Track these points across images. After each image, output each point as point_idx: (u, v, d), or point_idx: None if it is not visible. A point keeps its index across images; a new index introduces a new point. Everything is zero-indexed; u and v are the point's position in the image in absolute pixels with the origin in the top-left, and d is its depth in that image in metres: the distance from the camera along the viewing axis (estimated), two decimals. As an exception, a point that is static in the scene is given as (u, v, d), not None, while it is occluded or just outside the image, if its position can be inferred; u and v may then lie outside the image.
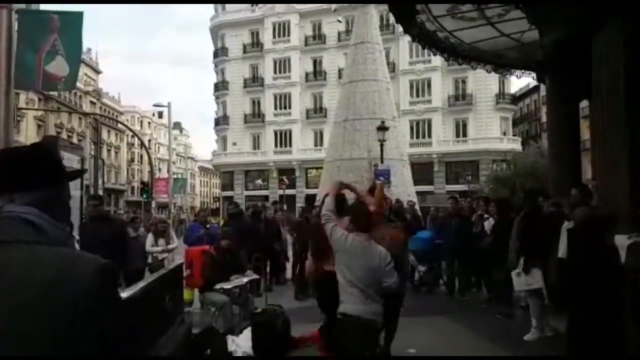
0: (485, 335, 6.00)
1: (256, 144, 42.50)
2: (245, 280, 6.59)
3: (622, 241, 4.43)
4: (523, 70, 9.50)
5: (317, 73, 40.94)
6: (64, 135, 42.85)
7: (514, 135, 39.73)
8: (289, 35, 41.25)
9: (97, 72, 56.11)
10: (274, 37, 41.68)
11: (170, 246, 8.05)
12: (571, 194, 6.29)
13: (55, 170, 1.13)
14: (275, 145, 41.48)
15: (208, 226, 9.31)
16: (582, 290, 4.72)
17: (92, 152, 36.78)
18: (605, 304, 4.62)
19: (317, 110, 40.78)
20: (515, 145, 35.62)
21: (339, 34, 39.61)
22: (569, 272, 5.15)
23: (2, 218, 1.00)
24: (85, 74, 51.41)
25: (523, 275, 6.00)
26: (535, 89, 43.84)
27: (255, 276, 7.52)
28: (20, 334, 0.89)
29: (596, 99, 6.07)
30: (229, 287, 6.22)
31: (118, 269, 1.12)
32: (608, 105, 5.75)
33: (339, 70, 35.90)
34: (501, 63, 9.19)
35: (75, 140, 43.96)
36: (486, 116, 36.82)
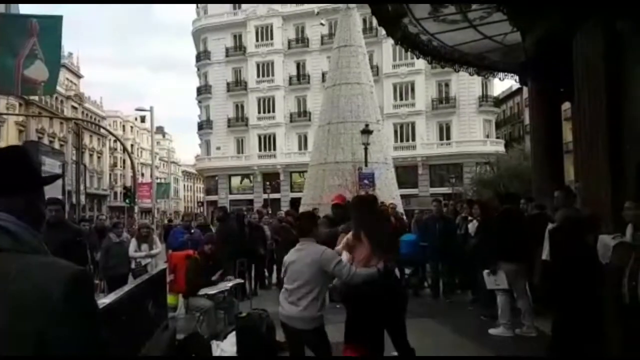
0: (470, 336, 6.01)
1: (240, 148, 42.26)
2: (229, 284, 6.60)
3: (606, 241, 4.47)
4: (506, 73, 9.60)
5: (300, 76, 40.93)
6: (46, 141, 42.18)
7: (497, 137, 40.22)
8: (272, 39, 41.18)
9: (79, 76, 55.36)
10: (257, 40, 41.57)
11: (153, 251, 8.02)
12: (554, 195, 6.35)
13: (32, 174, 1.10)
14: (260, 149, 41.30)
15: (192, 231, 9.26)
16: (565, 290, 4.75)
17: (74, 157, 36.19)
18: (586, 304, 4.66)
19: (301, 114, 40.74)
20: (499, 147, 36.05)
21: (322, 37, 39.68)
22: (551, 272, 5.18)
23: None
24: (67, 79, 50.66)
25: (492, 275, 6.11)
26: (518, 91, 44.48)
27: (240, 280, 7.49)
28: None
29: (578, 100, 6.14)
30: (213, 292, 6.22)
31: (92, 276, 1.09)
32: (589, 106, 5.81)
33: (323, 74, 35.96)
34: (484, 65, 9.27)
35: (57, 145, 43.28)
36: (469, 119, 37.20)
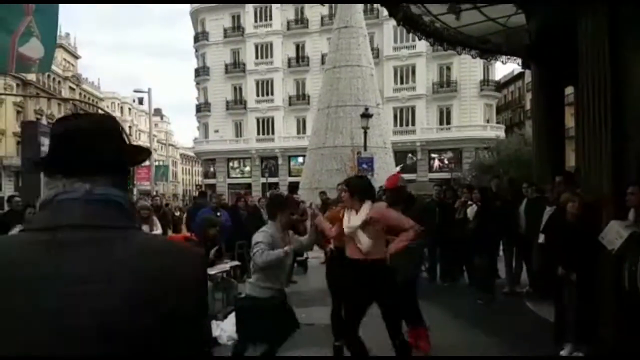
0: (466, 319, 6.03)
1: (238, 131, 42.01)
2: (228, 266, 6.72)
3: (618, 228, 4.40)
4: (509, 56, 9.45)
5: (299, 58, 40.44)
6: (44, 122, 41.78)
7: (497, 122, 40.01)
8: (270, 20, 40.60)
9: (76, 57, 54.80)
10: (256, 21, 40.94)
11: (153, 232, 8.04)
12: (556, 180, 6.29)
13: (130, 149, 1.04)
14: (258, 133, 41.03)
15: (219, 214, 8.95)
16: (560, 274, 4.72)
17: (71, 139, 35.86)
18: (587, 287, 4.64)
19: (300, 97, 40.39)
20: (499, 132, 35.83)
21: (322, 18, 39.10)
22: (549, 256, 5.15)
23: (98, 201, 0.91)
24: (64, 59, 50.15)
25: None
26: (520, 76, 44.14)
27: (237, 262, 7.54)
28: (132, 322, 0.82)
29: (581, 85, 6.03)
30: (212, 272, 6.27)
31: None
32: (593, 91, 5.71)
33: (322, 56, 35.53)
34: (487, 48, 9.10)
35: (53, 126, 42.95)
36: (470, 103, 36.90)
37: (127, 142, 1.04)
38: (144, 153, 1.09)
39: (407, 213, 4.23)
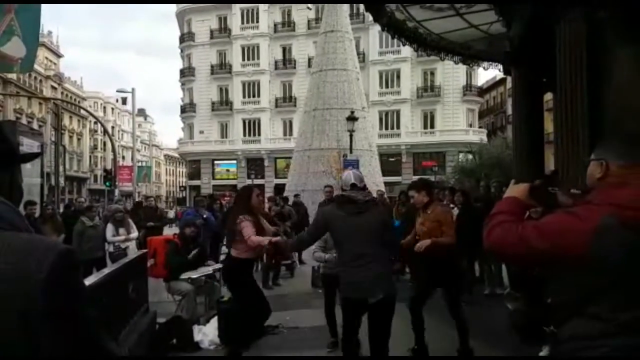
0: (445, 320, 6.11)
1: (224, 132, 41.86)
2: (211, 269, 6.60)
3: None
4: (490, 62, 9.61)
5: (286, 61, 40.52)
6: (24, 121, 41.10)
7: (480, 127, 40.61)
8: (257, 22, 40.62)
9: (59, 55, 53.99)
10: (242, 22, 40.94)
11: (131, 235, 8.11)
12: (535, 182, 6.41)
13: (10, 150, 1.07)
14: (244, 134, 40.95)
15: (204, 216, 9.08)
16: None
17: (53, 139, 35.44)
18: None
19: (287, 99, 40.45)
20: (482, 136, 36.42)
21: (308, 21, 39.29)
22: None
23: None
24: (46, 58, 49.38)
25: None
26: (502, 81, 44.79)
27: (220, 265, 7.49)
28: None
29: (559, 91, 6.19)
30: (195, 276, 6.21)
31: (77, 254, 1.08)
32: (571, 96, 5.87)
33: (309, 59, 35.66)
34: (469, 54, 9.24)
35: (35, 126, 42.23)
36: (453, 108, 37.42)
37: (11, 144, 1.08)
38: (29, 156, 1.15)
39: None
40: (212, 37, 41.61)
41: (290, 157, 26.58)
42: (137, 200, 12.50)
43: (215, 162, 41.60)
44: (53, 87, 50.16)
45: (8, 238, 0.93)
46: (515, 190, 1.89)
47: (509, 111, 41.19)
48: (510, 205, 1.82)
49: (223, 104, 41.62)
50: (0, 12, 7.34)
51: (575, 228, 1.59)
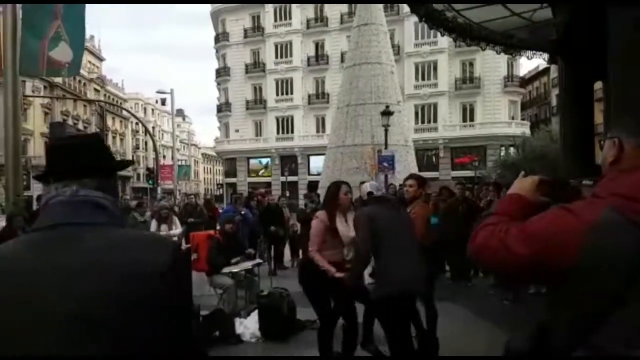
0: (491, 319, 5.83)
1: (258, 130, 42.20)
2: (250, 264, 6.77)
3: None
4: (534, 51, 9.16)
5: (319, 57, 40.31)
6: (70, 122, 42.79)
7: (522, 119, 39.17)
8: (290, 19, 40.60)
9: (100, 59, 55.86)
10: (275, 20, 41.01)
11: (173, 232, 8.29)
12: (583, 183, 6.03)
13: (112, 158, 1.21)
14: (277, 132, 41.15)
15: (243, 212, 9.28)
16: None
17: (96, 140, 36.58)
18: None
19: (319, 96, 40.29)
20: (525, 129, 35.04)
21: (341, 15, 38.92)
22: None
23: (79, 202, 1.06)
24: (89, 62, 51.18)
25: None
26: (545, 71, 43.19)
27: (260, 260, 7.63)
28: (102, 316, 0.93)
29: (611, 79, 5.79)
30: (236, 270, 6.37)
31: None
32: (623, 85, 5.48)
33: (342, 54, 35.32)
34: (511, 44, 8.83)
35: (81, 127, 44.00)
36: (494, 100, 36.19)
37: (109, 154, 1.20)
38: (125, 162, 1.36)
39: None
40: (245, 36, 41.93)
41: (323, 154, 26.44)
42: (186, 201, 13.23)
43: (250, 160, 42.05)
44: (96, 90, 51.98)
45: (128, 232, 1.10)
46: (518, 186, 1.50)
47: (554, 102, 39.72)
48: (507, 204, 1.47)
49: (257, 102, 41.92)
50: (47, 19, 7.60)
51: (566, 227, 1.20)
